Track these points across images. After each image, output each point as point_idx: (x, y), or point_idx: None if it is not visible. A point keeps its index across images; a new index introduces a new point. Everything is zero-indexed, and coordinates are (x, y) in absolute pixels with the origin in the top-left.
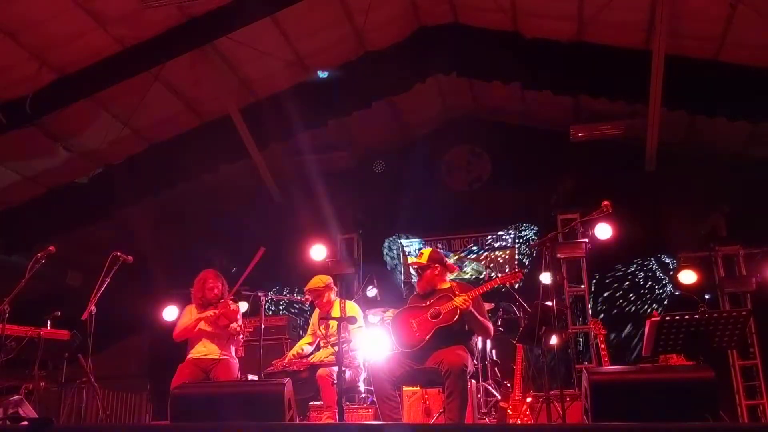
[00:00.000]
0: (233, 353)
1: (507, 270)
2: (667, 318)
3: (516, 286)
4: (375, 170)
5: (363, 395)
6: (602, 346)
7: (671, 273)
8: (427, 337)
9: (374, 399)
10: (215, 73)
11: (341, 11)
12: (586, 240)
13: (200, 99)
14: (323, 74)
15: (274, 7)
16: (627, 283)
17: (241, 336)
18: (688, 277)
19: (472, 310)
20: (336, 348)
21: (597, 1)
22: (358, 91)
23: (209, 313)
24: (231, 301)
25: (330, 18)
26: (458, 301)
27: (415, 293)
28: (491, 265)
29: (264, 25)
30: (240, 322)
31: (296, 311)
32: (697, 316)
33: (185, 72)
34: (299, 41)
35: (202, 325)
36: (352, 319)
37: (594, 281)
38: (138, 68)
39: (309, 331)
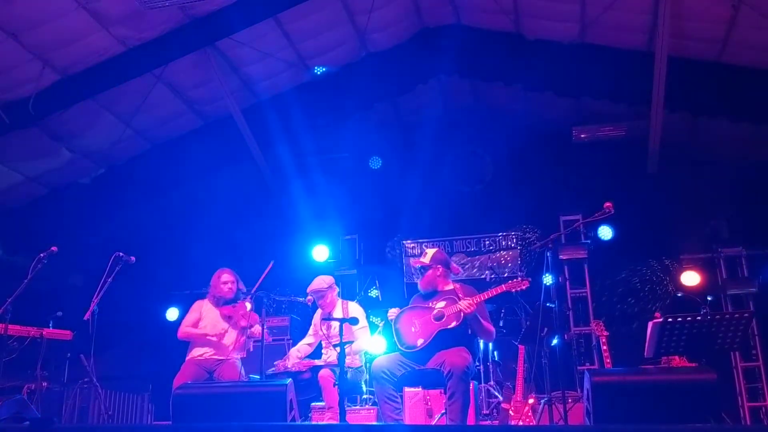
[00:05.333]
0: (239, 354)
1: (508, 271)
2: (670, 319)
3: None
4: (371, 166)
5: (365, 396)
6: (604, 347)
7: (673, 274)
8: (430, 338)
9: (376, 400)
10: (217, 73)
11: (343, 12)
12: (589, 241)
13: (202, 100)
14: (320, 70)
15: (277, 7)
16: (629, 285)
17: (256, 339)
18: (690, 278)
19: (476, 314)
20: (338, 348)
21: (599, 3)
22: (360, 92)
23: (205, 331)
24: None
25: (332, 19)
26: (463, 304)
27: (418, 293)
28: (493, 266)
29: (266, 26)
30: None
31: (298, 311)
32: (699, 317)
33: (187, 73)
34: (301, 42)
35: (215, 319)
36: (354, 320)
37: (596, 282)
38: (140, 69)
39: (310, 332)
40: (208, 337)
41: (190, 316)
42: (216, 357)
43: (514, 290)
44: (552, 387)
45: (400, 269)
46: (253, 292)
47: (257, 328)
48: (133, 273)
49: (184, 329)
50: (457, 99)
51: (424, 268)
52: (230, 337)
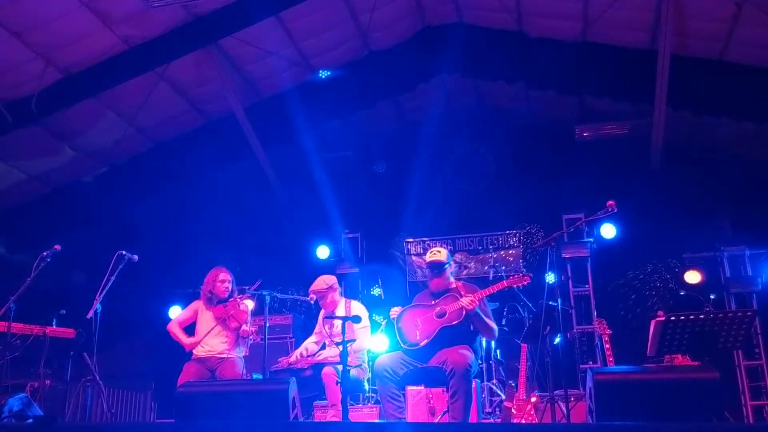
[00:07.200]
0: (239, 352)
1: (511, 270)
2: (672, 318)
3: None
4: (376, 170)
5: (367, 394)
6: (607, 346)
7: (676, 273)
8: (432, 336)
9: (378, 398)
10: (220, 72)
11: (346, 11)
12: (591, 240)
13: (205, 98)
14: (324, 73)
15: (279, 6)
16: (632, 283)
17: (251, 338)
18: (693, 277)
19: (478, 311)
20: (341, 347)
21: (602, 1)
22: (362, 91)
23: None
24: (240, 301)
25: (334, 18)
26: (465, 301)
27: (423, 291)
28: (496, 265)
29: (268, 25)
30: (250, 322)
31: (301, 310)
32: (702, 316)
33: (190, 71)
34: (304, 41)
35: (208, 320)
36: (356, 319)
37: (599, 281)
38: (143, 68)
39: (315, 330)
40: (208, 328)
41: (183, 314)
42: (217, 356)
43: (515, 285)
44: (555, 385)
45: (402, 268)
46: (245, 296)
47: (244, 329)
48: (136, 271)
49: (171, 326)
50: (459, 97)
51: (442, 265)
52: (225, 336)
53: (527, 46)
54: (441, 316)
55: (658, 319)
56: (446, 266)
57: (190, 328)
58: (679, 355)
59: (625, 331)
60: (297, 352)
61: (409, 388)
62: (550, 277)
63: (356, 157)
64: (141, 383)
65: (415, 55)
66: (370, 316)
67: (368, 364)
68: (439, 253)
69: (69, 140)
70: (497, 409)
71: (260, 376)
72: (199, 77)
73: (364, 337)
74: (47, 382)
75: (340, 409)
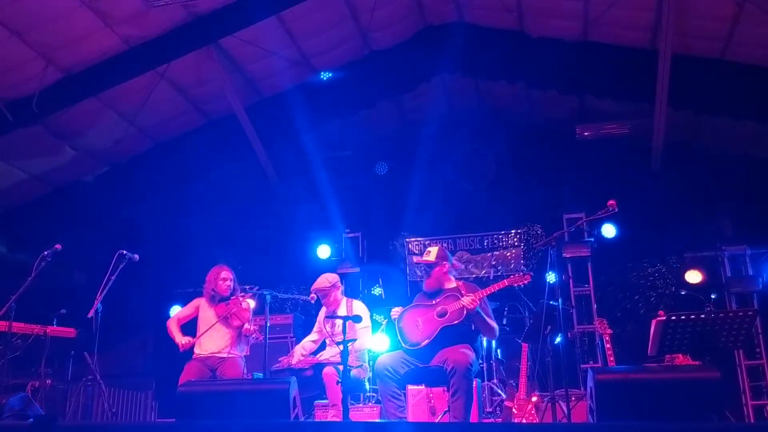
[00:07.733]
0: (240, 351)
1: (512, 269)
2: (673, 318)
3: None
4: (378, 172)
5: (368, 394)
6: (608, 345)
7: (677, 272)
8: (433, 335)
9: (379, 398)
10: (220, 72)
11: (346, 10)
12: (592, 239)
13: (205, 98)
14: (325, 75)
15: (279, 6)
16: (633, 283)
17: (253, 336)
18: (694, 276)
19: (479, 310)
20: (341, 346)
21: (603, 0)
22: (363, 91)
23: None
24: (242, 299)
25: (335, 17)
26: (466, 300)
27: (422, 292)
28: (497, 264)
29: (269, 24)
30: (252, 321)
31: (302, 309)
32: (703, 315)
33: (190, 71)
34: (304, 40)
35: (209, 318)
36: (357, 318)
37: (600, 280)
38: (143, 67)
39: (315, 329)
40: (209, 327)
41: (184, 311)
42: (218, 355)
43: (516, 285)
44: (555, 385)
45: (403, 267)
46: (247, 295)
47: (247, 328)
48: (137, 271)
49: (170, 323)
50: (460, 97)
51: (430, 266)
52: (226, 335)
53: (528, 46)
54: (442, 315)
55: (658, 318)
56: (434, 267)
57: (191, 326)
58: (680, 355)
59: (626, 330)
60: (297, 353)
61: (410, 387)
62: (551, 277)
63: (357, 157)
64: (142, 383)
65: (415, 55)
66: (371, 316)
67: (369, 364)
68: (428, 253)
69: (70, 140)
70: (498, 408)
71: (261, 376)
72: (200, 77)
73: (365, 336)
74: (48, 381)
75: (341, 408)
